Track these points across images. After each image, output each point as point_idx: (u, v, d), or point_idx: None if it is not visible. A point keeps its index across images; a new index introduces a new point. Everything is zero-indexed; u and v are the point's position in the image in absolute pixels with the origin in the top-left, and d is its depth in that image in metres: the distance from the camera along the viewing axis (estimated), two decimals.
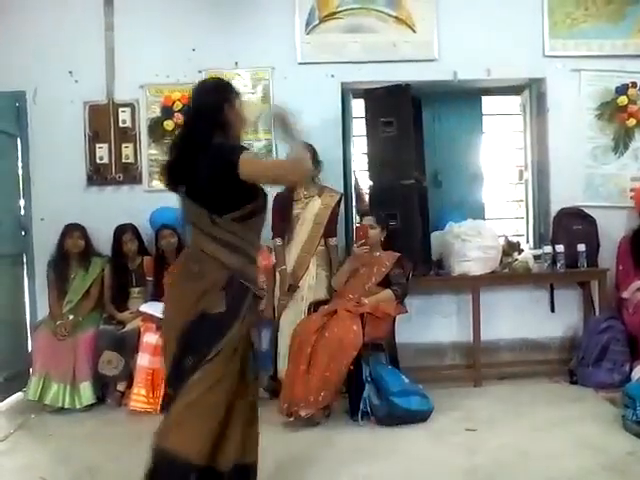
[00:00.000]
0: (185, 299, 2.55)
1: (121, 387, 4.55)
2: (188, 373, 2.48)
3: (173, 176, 2.72)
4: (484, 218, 5.55)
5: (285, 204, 4.60)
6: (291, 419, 3.93)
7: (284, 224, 4.63)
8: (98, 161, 5.15)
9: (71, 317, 4.66)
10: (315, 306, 4.39)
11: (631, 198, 5.24)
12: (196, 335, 2.51)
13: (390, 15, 5.19)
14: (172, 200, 4.93)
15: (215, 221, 2.53)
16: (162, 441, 2.53)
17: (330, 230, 4.66)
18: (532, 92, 5.40)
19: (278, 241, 4.64)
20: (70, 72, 5.14)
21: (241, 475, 2.65)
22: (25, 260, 5.15)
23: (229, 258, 2.54)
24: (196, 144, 2.57)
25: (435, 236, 5.05)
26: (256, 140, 5.18)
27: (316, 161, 4.51)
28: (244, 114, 2.75)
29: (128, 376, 4.50)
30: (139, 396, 4.37)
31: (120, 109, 5.17)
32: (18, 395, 4.79)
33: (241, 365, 2.61)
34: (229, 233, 2.54)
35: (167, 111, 5.10)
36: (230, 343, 2.51)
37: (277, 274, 4.65)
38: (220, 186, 2.50)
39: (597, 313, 5.04)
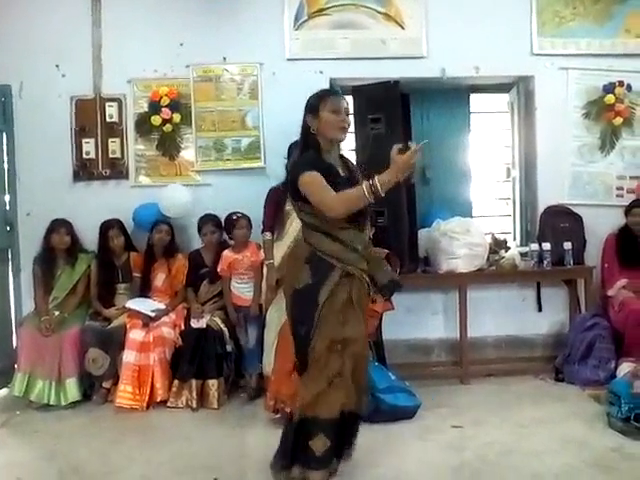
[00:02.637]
0: (288, 276, 3.10)
1: (107, 384, 4.52)
2: (306, 341, 2.90)
3: None
4: (471, 215, 5.57)
5: (278, 199, 4.58)
6: (278, 416, 3.93)
7: (275, 219, 4.62)
8: (85, 156, 5.11)
9: (57, 313, 4.64)
10: None
11: (618, 196, 5.27)
12: (297, 307, 2.97)
13: (379, 12, 5.19)
14: (157, 196, 5.01)
15: (299, 206, 2.98)
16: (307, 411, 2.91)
17: None
18: (520, 90, 5.43)
19: (267, 235, 4.62)
20: (57, 66, 5.10)
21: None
22: (10, 255, 5.11)
23: (310, 236, 2.96)
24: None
25: (423, 233, 5.05)
26: (245, 137, 5.17)
27: None
28: (331, 118, 2.98)
29: (114, 373, 4.48)
30: (125, 393, 4.34)
31: (107, 104, 5.13)
32: (3, 391, 4.75)
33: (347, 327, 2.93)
34: (309, 215, 2.95)
35: (154, 106, 5.07)
36: (326, 311, 2.87)
37: (265, 268, 4.64)
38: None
39: (583, 310, 5.07)
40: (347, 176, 3.04)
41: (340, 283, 2.89)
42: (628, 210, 5.00)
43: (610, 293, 4.86)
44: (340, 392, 2.90)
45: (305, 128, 3.02)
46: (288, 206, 4.50)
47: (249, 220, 4.74)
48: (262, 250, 4.67)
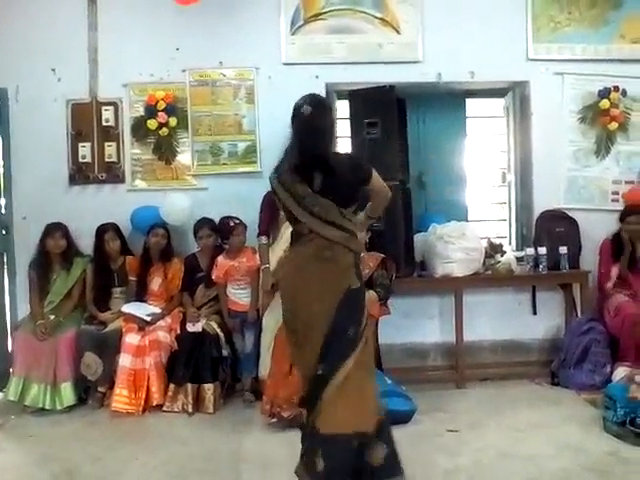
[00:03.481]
0: (325, 279, 2.91)
1: (102, 388, 4.51)
2: (353, 343, 2.85)
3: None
4: (467, 220, 5.59)
5: (273, 204, 4.57)
6: (274, 420, 3.94)
7: (271, 223, 4.62)
8: (81, 160, 5.10)
9: (52, 317, 4.62)
10: None
11: (613, 201, 5.29)
12: (351, 308, 2.90)
13: (375, 16, 5.19)
14: (153, 200, 5.00)
15: (343, 213, 2.95)
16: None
17: None
18: (515, 95, 5.44)
19: (263, 239, 4.63)
20: (53, 70, 5.10)
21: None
22: (6, 259, 5.10)
23: (353, 243, 2.99)
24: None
25: (419, 238, 5.05)
26: (241, 141, 5.17)
27: None
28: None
29: (109, 378, 4.46)
30: (121, 397, 4.33)
31: (103, 108, 5.13)
32: None
33: None
34: (351, 222, 3.00)
35: (150, 110, 5.07)
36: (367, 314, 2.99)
37: (261, 273, 4.64)
38: (351, 189, 3.00)
39: (579, 315, 5.08)
40: None
41: None
42: (622, 218, 5.01)
43: (609, 285, 4.89)
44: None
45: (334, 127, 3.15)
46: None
47: (245, 226, 4.74)
48: (257, 254, 4.67)
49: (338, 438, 2.76)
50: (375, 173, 3.01)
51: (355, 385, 2.82)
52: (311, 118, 2.95)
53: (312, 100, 3.04)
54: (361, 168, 3.02)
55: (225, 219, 4.77)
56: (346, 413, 2.78)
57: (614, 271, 4.93)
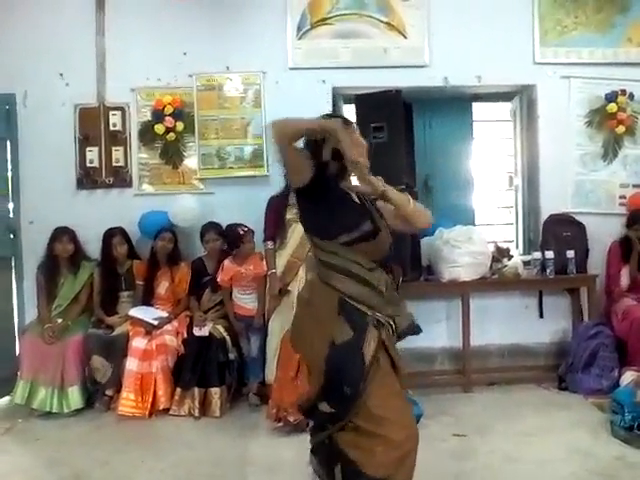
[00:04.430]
0: (308, 325, 2.55)
1: (109, 392, 4.52)
2: (354, 398, 2.44)
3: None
4: (474, 224, 5.58)
5: (279, 208, 4.59)
6: (280, 424, 3.94)
7: (277, 228, 4.62)
8: (88, 164, 5.13)
9: (59, 321, 4.64)
10: None
11: (620, 205, 5.28)
12: (340, 367, 2.45)
13: (381, 21, 5.20)
14: (160, 204, 5.01)
15: (317, 245, 2.55)
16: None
17: None
18: (522, 99, 5.44)
19: (269, 244, 4.64)
20: (61, 75, 5.13)
21: None
22: (14, 263, 5.13)
23: (338, 281, 2.50)
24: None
25: (425, 242, 5.04)
26: (248, 145, 5.18)
27: None
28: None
29: (116, 381, 4.47)
30: (128, 400, 4.34)
31: (111, 112, 5.15)
32: (5, 399, 4.75)
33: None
34: (336, 256, 2.51)
35: (158, 115, 5.09)
36: (374, 368, 2.47)
37: (267, 278, 4.64)
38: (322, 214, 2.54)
39: (586, 319, 5.06)
40: None
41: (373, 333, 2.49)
42: (629, 224, 5.01)
43: (623, 282, 4.90)
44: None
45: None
46: (289, 215, 4.51)
47: (253, 232, 4.73)
48: (264, 260, 4.67)
49: (355, 471, 2.45)
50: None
51: (379, 433, 2.44)
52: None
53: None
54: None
55: (233, 227, 4.74)
56: (370, 458, 2.44)
57: (624, 273, 4.91)
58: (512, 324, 5.23)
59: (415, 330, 2.76)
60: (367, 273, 2.51)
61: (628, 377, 4.23)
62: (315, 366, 2.54)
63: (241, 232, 4.66)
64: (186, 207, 4.98)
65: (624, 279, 4.93)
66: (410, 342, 5.00)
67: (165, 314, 4.75)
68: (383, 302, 2.54)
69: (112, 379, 4.49)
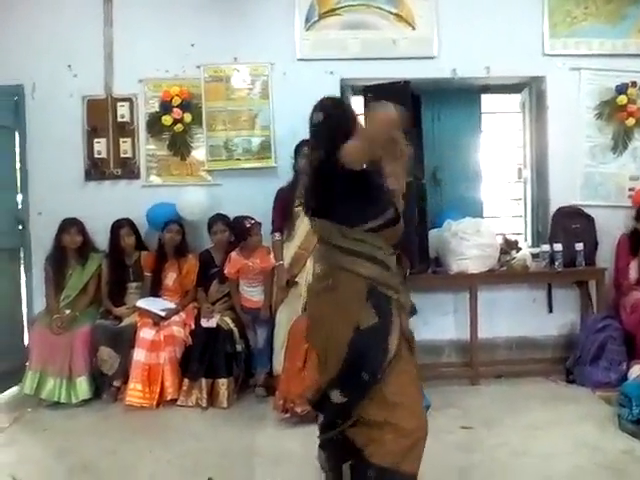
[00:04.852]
0: (331, 312, 2.56)
1: (117, 383, 4.53)
2: (370, 385, 2.48)
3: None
4: (482, 216, 5.55)
5: (287, 200, 4.59)
6: (287, 415, 3.95)
7: (284, 220, 4.62)
8: (96, 156, 5.14)
9: (68, 312, 4.66)
10: None
11: (629, 197, 5.25)
12: (362, 352, 2.49)
13: (390, 12, 5.18)
14: (168, 196, 5.02)
15: (345, 233, 2.56)
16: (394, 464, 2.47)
17: None
18: (532, 90, 5.40)
19: (277, 236, 4.64)
20: (69, 66, 5.13)
21: None
22: (22, 254, 5.15)
23: (364, 267, 2.54)
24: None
25: (433, 234, 5.03)
26: (255, 137, 5.17)
27: None
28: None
29: (124, 372, 4.49)
30: (135, 391, 4.35)
31: (118, 104, 5.15)
32: (14, 389, 4.77)
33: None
34: (363, 243, 2.55)
35: (166, 106, 5.08)
36: (398, 348, 2.52)
37: (275, 269, 4.64)
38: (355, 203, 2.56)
39: (594, 312, 5.04)
40: None
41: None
42: (638, 217, 4.98)
43: (630, 280, 4.88)
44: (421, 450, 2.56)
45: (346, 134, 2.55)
46: (297, 206, 4.50)
47: (260, 224, 4.72)
48: (272, 252, 4.67)
49: (365, 464, 2.50)
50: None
51: (390, 422, 2.47)
52: (324, 126, 2.62)
53: (325, 105, 2.69)
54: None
55: (240, 219, 4.73)
56: (379, 447, 2.48)
57: (633, 267, 4.89)
58: (520, 317, 5.22)
59: (414, 311, 2.80)
60: (387, 258, 2.59)
61: (636, 370, 4.23)
62: (333, 352, 2.54)
63: (248, 225, 4.65)
64: (193, 201, 4.98)
65: (633, 272, 4.91)
66: (418, 334, 5.03)
67: (173, 305, 4.76)
68: (399, 284, 2.61)
69: (120, 370, 4.51)
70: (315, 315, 2.70)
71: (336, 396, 2.55)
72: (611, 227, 5.16)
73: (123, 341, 4.53)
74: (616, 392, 4.02)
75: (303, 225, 4.50)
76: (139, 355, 4.42)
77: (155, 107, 5.15)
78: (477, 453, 3.50)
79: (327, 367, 2.60)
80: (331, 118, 2.63)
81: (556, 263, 4.94)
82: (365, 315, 2.48)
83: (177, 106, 5.06)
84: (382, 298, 2.53)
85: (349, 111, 2.73)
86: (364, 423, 2.52)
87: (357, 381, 2.49)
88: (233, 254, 4.73)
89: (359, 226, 2.56)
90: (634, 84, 5.19)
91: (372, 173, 2.58)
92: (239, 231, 4.71)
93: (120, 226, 4.86)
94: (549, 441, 3.63)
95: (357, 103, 5.09)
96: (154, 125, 5.15)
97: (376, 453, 2.47)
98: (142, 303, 4.70)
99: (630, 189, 5.27)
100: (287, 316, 4.38)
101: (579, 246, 4.95)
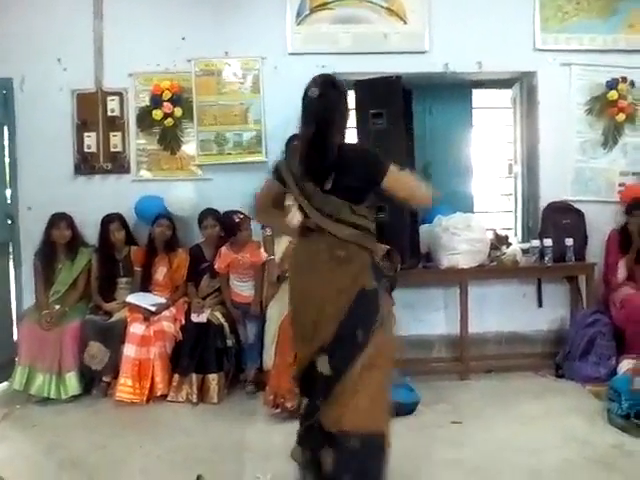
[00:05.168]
0: (339, 280, 2.74)
1: (107, 378, 4.52)
2: (361, 346, 2.68)
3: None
4: (473, 211, 5.56)
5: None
6: (277, 410, 3.94)
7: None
8: (86, 150, 5.10)
9: (57, 307, 4.64)
10: None
11: (619, 193, 5.26)
12: (363, 311, 2.72)
13: (381, 6, 5.17)
14: (158, 190, 4.99)
15: (355, 210, 2.77)
16: (364, 426, 2.65)
17: None
18: (523, 86, 5.41)
19: (268, 231, 4.63)
20: (59, 60, 5.09)
21: None
22: (11, 249, 5.12)
23: (368, 241, 2.82)
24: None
25: (424, 229, 5.03)
26: (246, 131, 5.16)
27: None
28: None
29: (114, 367, 4.47)
30: (125, 387, 4.34)
31: (109, 97, 5.12)
32: (3, 385, 4.75)
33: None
34: (365, 219, 2.81)
35: (156, 100, 5.06)
36: (385, 313, 2.78)
37: (266, 265, 4.64)
38: (365, 185, 2.79)
39: (584, 307, 5.05)
40: None
41: None
42: (629, 211, 4.99)
43: (620, 276, 4.88)
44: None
45: (346, 112, 2.89)
46: (288, 201, 4.48)
47: (250, 218, 4.69)
48: (262, 247, 4.67)
49: (345, 437, 2.62)
50: (392, 171, 2.73)
51: (364, 386, 2.65)
52: (319, 102, 2.73)
53: (322, 81, 2.81)
54: (375, 166, 2.75)
55: (229, 214, 4.73)
56: (355, 414, 2.63)
57: (621, 265, 4.91)
58: (510, 312, 5.24)
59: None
60: (374, 228, 2.87)
61: (625, 365, 4.24)
62: (330, 319, 2.71)
63: (237, 219, 4.65)
64: (182, 197, 4.96)
65: (621, 271, 4.91)
66: (408, 329, 5.08)
67: (163, 300, 4.74)
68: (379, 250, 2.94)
69: (110, 365, 4.49)
70: (312, 284, 2.79)
71: (324, 364, 2.70)
72: (601, 222, 5.18)
73: (113, 336, 4.51)
74: (605, 387, 4.05)
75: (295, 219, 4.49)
76: (129, 350, 4.40)
77: (145, 101, 5.12)
78: (467, 448, 3.51)
79: (318, 336, 2.73)
80: (326, 97, 2.75)
81: (546, 258, 4.96)
82: (369, 280, 2.74)
83: (167, 100, 5.03)
84: (377, 266, 2.82)
85: (343, 92, 2.86)
86: (340, 394, 2.66)
87: (351, 342, 2.68)
88: (223, 249, 4.72)
89: (362, 203, 2.80)
90: (624, 80, 5.20)
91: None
92: (229, 226, 4.70)
93: (110, 221, 4.84)
94: (539, 435, 3.65)
95: (349, 98, 5.10)
96: (144, 119, 5.12)
97: (352, 420, 2.63)
98: (132, 298, 4.68)
99: (620, 184, 5.29)
100: (278, 311, 4.36)
101: (569, 241, 4.97)
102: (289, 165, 2.89)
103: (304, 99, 2.79)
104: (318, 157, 2.73)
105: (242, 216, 4.65)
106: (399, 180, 2.77)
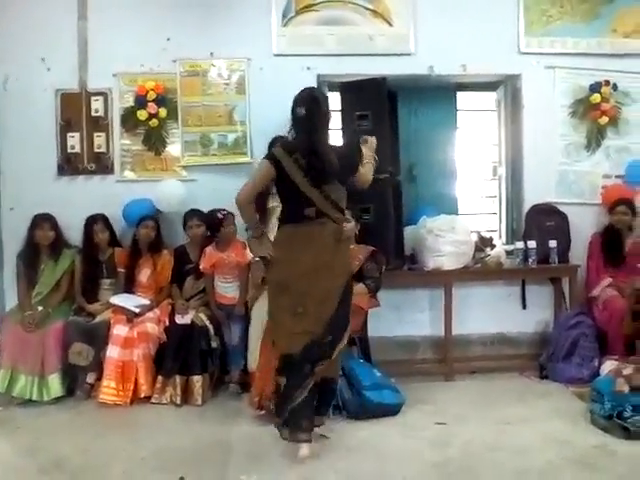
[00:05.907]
0: (341, 259, 3.50)
1: (90, 379, 4.49)
2: (347, 316, 3.51)
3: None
4: (457, 213, 5.58)
5: (261, 196, 4.56)
6: (262, 412, 3.92)
7: (260, 216, 4.59)
8: (69, 150, 5.07)
9: (40, 309, 4.59)
10: None
11: (601, 194, 5.30)
12: (351, 289, 3.59)
13: (367, 8, 5.18)
14: (142, 191, 4.96)
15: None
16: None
17: None
18: (507, 88, 5.44)
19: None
20: (42, 59, 5.05)
21: None
22: None
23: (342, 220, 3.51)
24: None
25: (409, 231, 5.04)
26: (231, 132, 5.15)
27: None
28: None
29: (98, 368, 4.44)
30: (108, 388, 4.31)
31: (93, 98, 5.09)
32: None
33: None
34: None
35: (140, 100, 5.03)
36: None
37: (250, 266, 4.62)
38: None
39: (568, 309, 5.08)
40: None
41: None
42: (612, 208, 5.03)
43: (594, 293, 4.88)
44: None
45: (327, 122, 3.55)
46: (272, 202, 4.48)
47: (234, 216, 4.69)
48: (247, 248, 4.65)
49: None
50: (360, 167, 3.58)
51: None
52: (307, 119, 3.39)
53: (307, 99, 3.43)
54: (351, 166, 3.55)
55: (213, 212, 4.71)
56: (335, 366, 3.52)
57: (604, 282, 4.89)
58: (494, 313, 5.26)
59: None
60: None
61: (608, 366, 4.26)
62: (328, 301, 3.38)
63: (220, 216, 4.64)
64: (171, 192, 4.95)
65: (603, 282, 4.91)
66: (393, 330, 5.10)
67: (147, 302, 4.71)
68: None
69: (93, 366, 4.46)
70: (317, 264, 3.35)
71: (341, 320, 3.44)
72: (584, 225, 5.22)
73: (96, 338, 4.47)
74: (588, 388, 4.06)
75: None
76: (113, 352, 4.37)
77: (130, 102, 5.09)
78: (451, 448, 3.52)
79: (319, 314, 3.35)
80: (311, 113, 3.41)
81: (530, 260, 4.98)
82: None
83: (152, 101, 5.01)
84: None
85: (325, 105, 3.53)
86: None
87: (344, 314, 3.48)
88: (208, 249, 4.70)
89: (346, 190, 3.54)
90: (607, 83, 5.25)
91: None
92: (212, 223, 4.69)
93: (94, 222, 4.80)
94: (522, 436, 3.66)
95: (334, 99, 5.10)
96: (129, 120, 5.10)
97: (335, 371, 3.58)
98: (116, 299, 4.65)
99: (603, 187, 5.33)
100: (262, 314, 4.35)
101: (553, 243, 5.00)
102: (294, 157, 3.36)
103: (293, 113, 3.45)
104: (319, 158, 3.35)
105: (225, 212, 4.64)
106: (363, 173, 3.63)
